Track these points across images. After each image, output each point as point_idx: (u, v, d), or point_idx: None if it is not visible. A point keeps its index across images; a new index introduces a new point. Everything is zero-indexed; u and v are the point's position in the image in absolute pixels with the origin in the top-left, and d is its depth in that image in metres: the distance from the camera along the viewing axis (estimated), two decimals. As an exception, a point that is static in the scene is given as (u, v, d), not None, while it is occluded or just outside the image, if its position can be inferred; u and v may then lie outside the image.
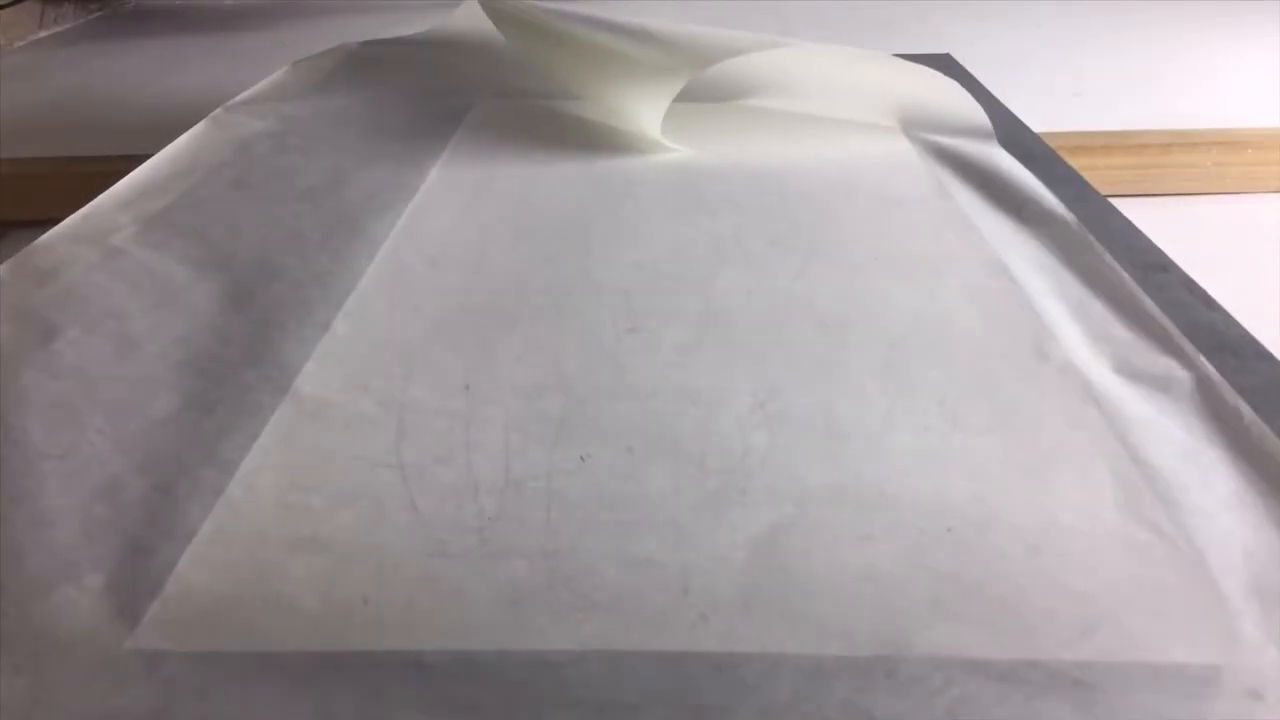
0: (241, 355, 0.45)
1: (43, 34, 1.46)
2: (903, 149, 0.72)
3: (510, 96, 0.83)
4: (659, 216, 0.60)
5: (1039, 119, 0.77)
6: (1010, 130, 0.74)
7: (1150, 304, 0.48)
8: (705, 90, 0.81)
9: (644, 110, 0.70)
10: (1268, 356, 0.44)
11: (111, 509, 0.36)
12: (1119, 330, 0.47)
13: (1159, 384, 0.43)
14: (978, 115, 0.73)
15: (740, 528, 0.35)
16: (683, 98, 0.68)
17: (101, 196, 0.62)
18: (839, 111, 0.78)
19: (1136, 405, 0.41)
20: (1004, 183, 0.64)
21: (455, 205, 0.62)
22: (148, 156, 0.69)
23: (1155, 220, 0.59)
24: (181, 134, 0.73)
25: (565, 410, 0.41)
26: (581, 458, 0.38)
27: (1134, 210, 0.59)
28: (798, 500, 0.36)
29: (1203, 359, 0.43)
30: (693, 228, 0.58)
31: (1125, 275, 0.50)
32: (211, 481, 0.37)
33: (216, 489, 0.37)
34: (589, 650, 0.30)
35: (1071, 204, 0.59)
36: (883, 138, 0.74)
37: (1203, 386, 0.42)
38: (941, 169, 0.68)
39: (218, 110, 0.79)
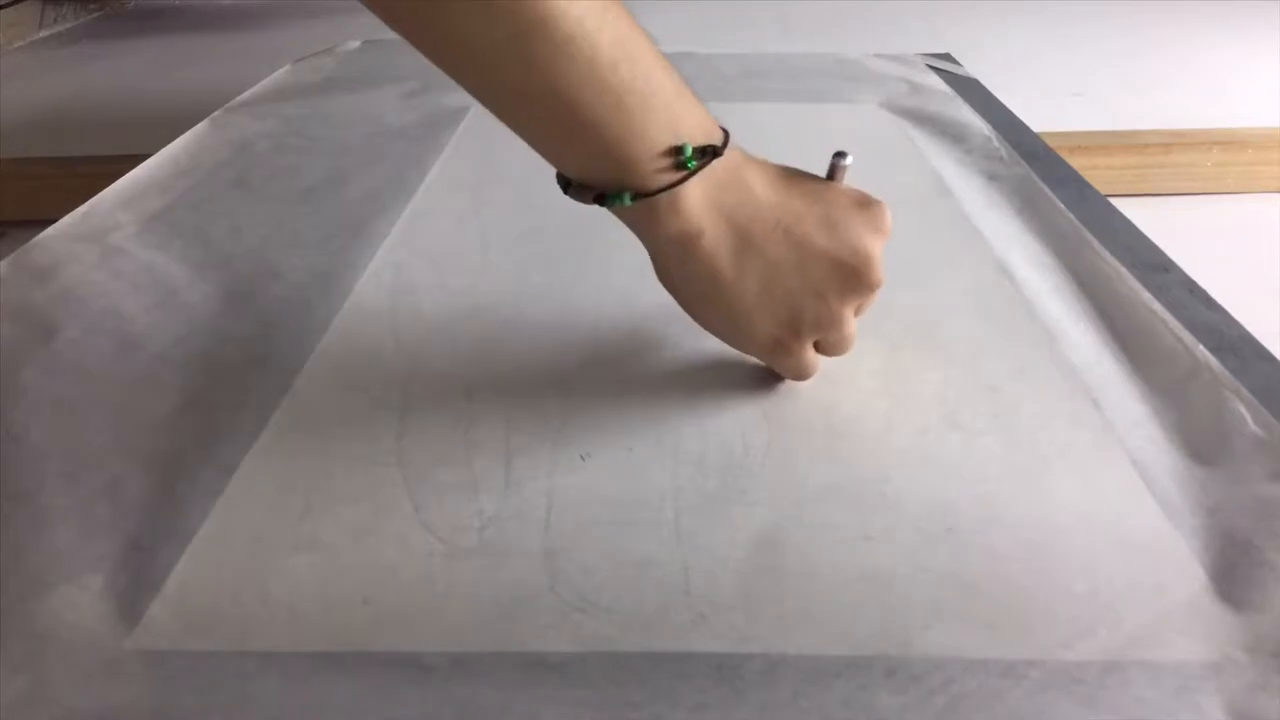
0: (241, 355, 0.45)
1: (43, 34, 1.46)
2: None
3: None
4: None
5: (1039, 119, 0.78)
6: (1010, 130, 0.74)
7: (1151, 303, 0.48)
8: (706, 90, 0.81)
9: None
10: (1268, 356, 0.44)
11: (111, 509, 0.36)
12: (1119, 330, 0.47)
13: (1160, 383, 0.42)
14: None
15: (740, 528, 0.35)
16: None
17: (101, 194, 0.62)
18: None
19: (1136, 405, 0.41)
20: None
21: (455, 205, 0.62)
22: (148, 156, 0.69)
23: (1155, 220, 0.59)
24: (181, 134, 0.73)
25: (565, 410, 0.41)
26: (581, 458, 0.38)
27: (1134, 210, 0.59)
28: (798, 500, 0.36)
29: (1205, 358, 0.43)
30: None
31: (1126, 275, 0.50)
32: (211, 482, 0.37)
33: (216, 489, 0.37)
34: (589, 650, 0.30)
35: (1071, 204, 0.59)
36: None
37: (1204, 386, 0.42)
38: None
39: (218, 111, 0.79)
